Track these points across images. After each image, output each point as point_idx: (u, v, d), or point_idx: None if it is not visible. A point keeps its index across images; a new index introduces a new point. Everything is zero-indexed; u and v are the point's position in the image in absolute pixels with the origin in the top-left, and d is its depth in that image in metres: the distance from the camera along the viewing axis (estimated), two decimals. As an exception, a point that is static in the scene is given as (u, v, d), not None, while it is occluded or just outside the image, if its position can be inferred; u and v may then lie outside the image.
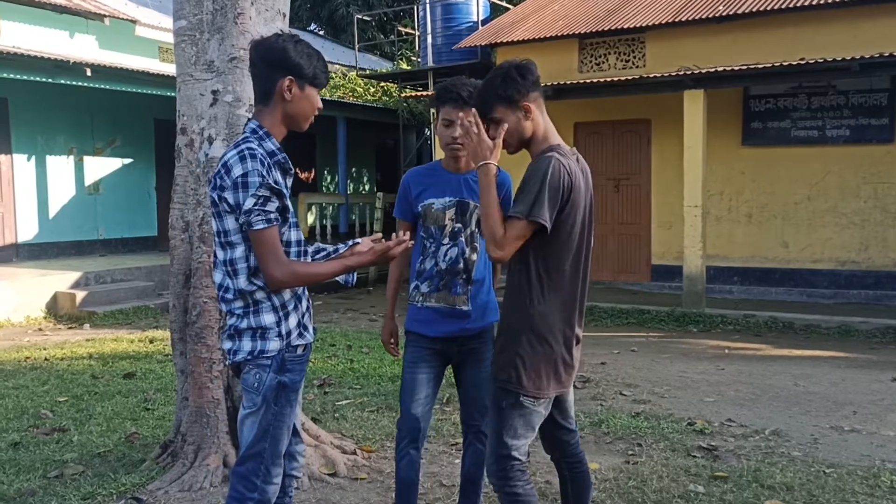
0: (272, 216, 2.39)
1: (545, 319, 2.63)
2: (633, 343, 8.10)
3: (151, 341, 8.02)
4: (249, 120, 2.57)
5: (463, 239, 3.06)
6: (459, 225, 3.06)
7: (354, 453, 4.28)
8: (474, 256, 3.08)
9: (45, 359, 7.18)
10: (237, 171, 2.37)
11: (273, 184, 2.39)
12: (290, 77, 2.47)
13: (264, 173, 2.37)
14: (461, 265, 3.06)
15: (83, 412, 5.34)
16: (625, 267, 11.84)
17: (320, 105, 2.59)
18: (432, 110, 12.06)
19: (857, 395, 5.82)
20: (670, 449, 4.52)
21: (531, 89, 2.65)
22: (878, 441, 4.71)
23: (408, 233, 2.66)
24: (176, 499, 3.70)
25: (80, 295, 9.97)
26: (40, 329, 9.21)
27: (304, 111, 2.54)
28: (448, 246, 3.06)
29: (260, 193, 2.36)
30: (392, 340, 3.28)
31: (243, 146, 2.43)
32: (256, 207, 2.36)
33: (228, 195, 2.39)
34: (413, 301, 3.14)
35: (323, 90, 2.62)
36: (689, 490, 3.86)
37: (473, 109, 2.67)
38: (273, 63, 2.48)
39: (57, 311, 9.96)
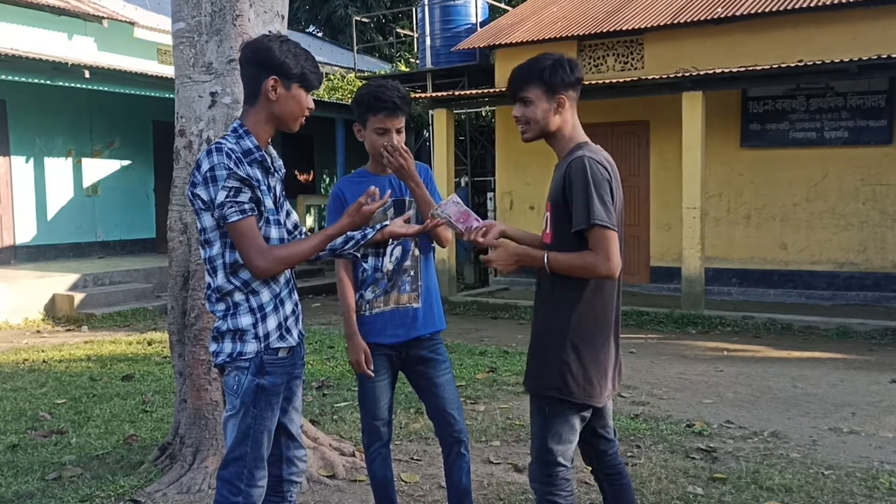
0: (246, 207, 2.39)
1: (592, 324, 2.56)
2: (632, 345, 8.09)
3: (150, 343, 8.02)
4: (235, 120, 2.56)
5: None
6: None
7: (353, 455, 4.27)
8: (417, 252, 3.08)
9: (44, 361, 7.18)
10: (205, 166, 2.39)
11: (244, 175, 2.39)
12: (275, 77, 2.45)
13: (231, 165, 2.37)
14: (408, 262, 3.05)
15: (81, 414, 5.33)
16: (623, 268, 11.69)
17: (311, 105, 2.56)
18: (431, 112, 12.05)
19: (855, 397, 5.82)
20: (669, 450, 4.52)
21: (573, 86, 2.60)
22: (876, 443, 4.72)
23: (375, 189, 2.57)
24: (174, 501, 3.69)
25: (79, 297, 9.96)
26: (38, 331, 9.20)
27: (290, 111, 2.51)
28: (393, 245, 3.03)
29: (229, 185, 2.37)
30: (366, 361, 3.04)
31: (213, 143, 2.46)
32: (228, 200, 2.36)
33: (201, 191, 2.40)
34: (359, 312, 3.07)
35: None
36: (687, 492, 3.85)
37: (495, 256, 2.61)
38: (259, 63, 2.46)
39: (55, 313, 9.96)
